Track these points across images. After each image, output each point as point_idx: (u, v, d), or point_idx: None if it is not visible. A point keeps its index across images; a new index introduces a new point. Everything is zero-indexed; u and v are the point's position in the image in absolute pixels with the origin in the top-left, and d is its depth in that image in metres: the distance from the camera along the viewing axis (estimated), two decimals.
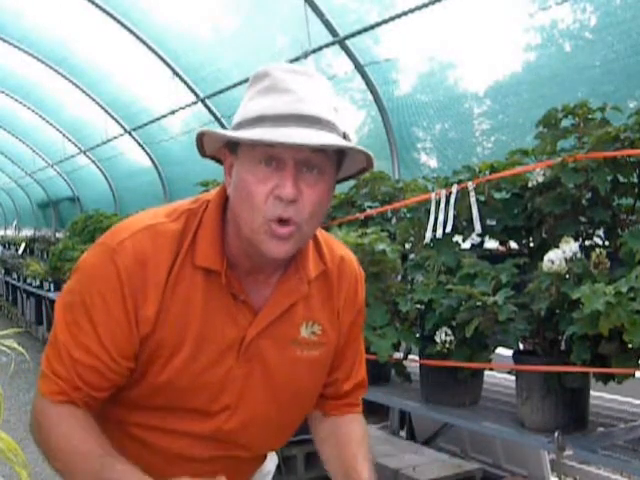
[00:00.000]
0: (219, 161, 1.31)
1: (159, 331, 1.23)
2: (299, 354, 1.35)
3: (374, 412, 4.92)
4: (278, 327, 1.32)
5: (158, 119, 7.79)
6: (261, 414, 1.35)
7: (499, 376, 3.05)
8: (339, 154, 1.23)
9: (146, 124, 8.11)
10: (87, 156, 10.19)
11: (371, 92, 4.92)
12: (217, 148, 1.28)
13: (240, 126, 1.17)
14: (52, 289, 8.51)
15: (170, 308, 1.23)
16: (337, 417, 1.50)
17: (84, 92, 8.40)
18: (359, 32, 4.64)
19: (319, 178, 1.18)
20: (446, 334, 2.52)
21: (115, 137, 8.88)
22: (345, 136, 1.20)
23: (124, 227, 1.26)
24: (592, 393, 2.40)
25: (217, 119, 6.81)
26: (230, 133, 1.17)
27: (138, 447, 1.33)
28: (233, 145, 1.21)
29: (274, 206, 1.16)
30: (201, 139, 1.25)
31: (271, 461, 1.61)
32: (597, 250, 2.21)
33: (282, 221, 1.17)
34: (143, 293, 1.21)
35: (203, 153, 1.29)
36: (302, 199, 1.17)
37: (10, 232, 17.08)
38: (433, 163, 5.13)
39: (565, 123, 2.63)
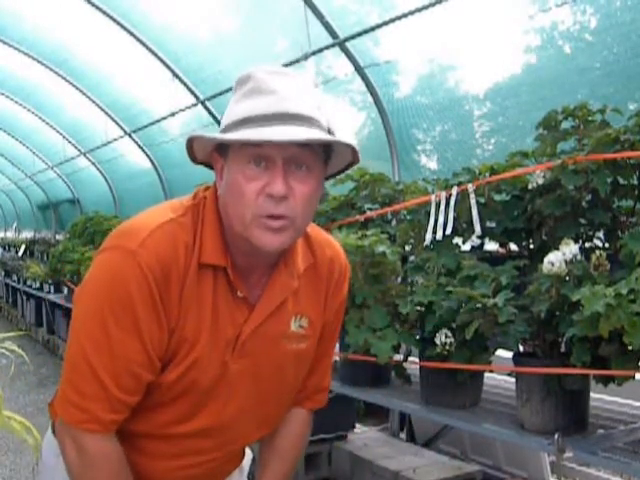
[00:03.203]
0: (211, 167, 1.33)
1: (180, 328, 1.26)
2: (288, 347, 1.39)
3: (374, 414, 4.92)
4: (270, 323, 1.35)
5: (158, 121, 7.79)
6: (249, 407, 1.38)
7: (499, 378, 3.05)
8: (326, 151, 1.26)
9: (146, 126, 8.10)
10: (87, 158, 10.18)
11: (371, 94, 4.92)
12: (208, 152, 1.29)
13: (227, 129, 1.21)
14: (52, 291, 8.51)
15: (188, 306, 1.26)
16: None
17: (84, 94, 8.39)
18: (359, 34, 4.63)
19: (308, 174, 1.22)
20: (446, 336, 2.52)
21: (115, 139, 8.87)
22: (330, 132, 1.23)
23: (138, 227, 1.25)
24: (592, 395, 2.40)
25: (217, 121, 6.79)
26: (218, 136, 1.20)
27: (135, 454, 1.35)
28: (223, 148, 1.24)
29: (265, 203, 1.19)
30: (191, 145, 1.27)
31: (246, 457, 1.63)
32: (597, 252, 2.21)
33: (274, 217, 1.20)
34: (167, 292, 1.23)
35: (194, 159, 1.31)
36: (293, 195, 1.20)
37: (10, 234, 17.06)
38: (433, 165, 5.12)
39: (565, 125, 2.63)
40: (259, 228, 1.21)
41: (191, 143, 1.26)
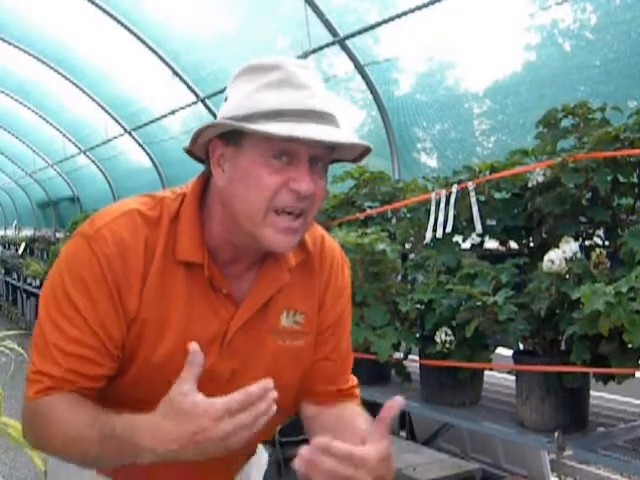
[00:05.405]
0: (195, 157, 1.28)
1: (141, 320, 1.22)
2: (281, 344, 1.33)
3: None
4: (259, 318, 1.30)
5: (158, 119, 7.79)
6: None
7: (499, 376, 3.04)
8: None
9: (146, 124, 8.10)
10: (87, 156, 10.18)
11: (371, 92, 4.92)
12: (205, 141, 1.23)
13: (253, 118, 1.15)
14: None
15: (152, 299, 1.22)
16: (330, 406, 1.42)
17: (84, 92, 8.39)
18: (359, 32, 4.64)
19: (323, 172, 1.21)
20: (446, 334, 2.52)
21: (115, 137, 8.88)
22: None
23: (100, 216, 1.25)
24: (592, 393, 2.40)
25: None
26: (252, 126, 1.13)
27: None
28: (233, 136, 1.17)
29: (286, 196, 1.16)
30: (200, 131, 1.20)
31: (262, 455, 1.59)
32: (597, 250, 2.21)
33: (290, 213, 1.17)
34: (126, 280, 1.20)
35: (191, 146, 1.25)
36: (314, 193, 1.18)
37: (10, 232, 17.05)
38: (433, 163, 5.13)
39: (565, 123, 2.63)
40: (272, 227, 1.17)
41: (205, 129, 1.19)
